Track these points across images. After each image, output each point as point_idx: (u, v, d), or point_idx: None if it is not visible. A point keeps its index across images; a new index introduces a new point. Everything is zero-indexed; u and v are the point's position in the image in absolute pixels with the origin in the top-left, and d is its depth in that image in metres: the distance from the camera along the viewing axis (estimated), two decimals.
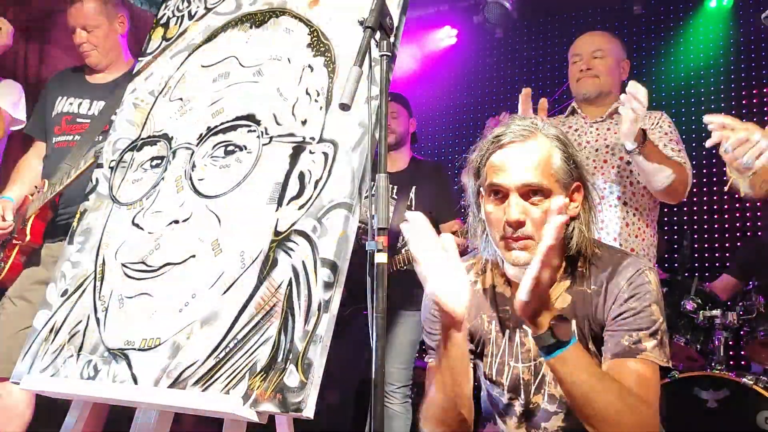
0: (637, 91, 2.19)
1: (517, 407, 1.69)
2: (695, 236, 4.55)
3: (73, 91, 3.05)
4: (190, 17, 2.52)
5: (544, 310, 1.42)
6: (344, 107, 1.51)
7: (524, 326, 1.66)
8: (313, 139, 1.96)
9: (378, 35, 1.65)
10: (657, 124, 2.64)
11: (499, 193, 1.58)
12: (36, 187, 2.91)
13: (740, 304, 3.15)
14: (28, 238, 2.84)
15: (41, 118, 3.09)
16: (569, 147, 1.61)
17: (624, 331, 1.54)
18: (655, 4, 4.88)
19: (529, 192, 1.56)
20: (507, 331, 1.70)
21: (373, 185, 1.57)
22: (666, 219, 4.56)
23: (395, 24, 1.82)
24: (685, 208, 4.60)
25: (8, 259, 2.88)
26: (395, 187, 3.48)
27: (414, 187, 3.47)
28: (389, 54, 1.66)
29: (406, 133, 3.61)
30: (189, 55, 2.43)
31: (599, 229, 2.57)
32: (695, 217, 4.63)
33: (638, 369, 1.50)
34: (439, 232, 3.48)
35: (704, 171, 4.55)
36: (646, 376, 1.50)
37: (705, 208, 4.61)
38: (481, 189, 1.65)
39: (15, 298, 2.84)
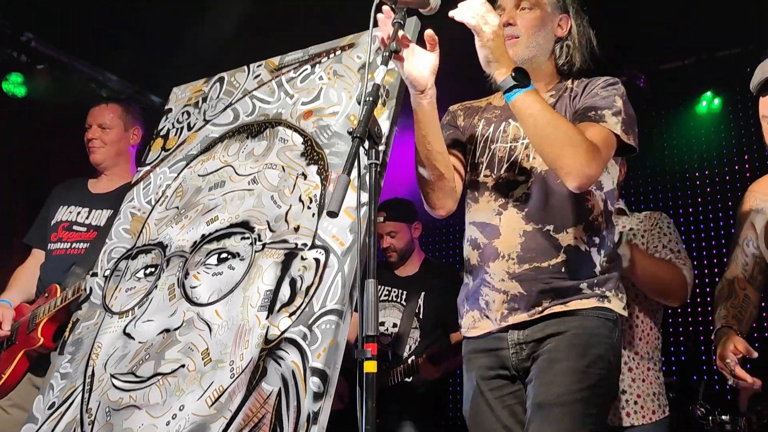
0: None
1: (490, 182, 1.95)
2: (701, 338, 4.47)
3: (75, 200, 3.09)
4: (189, 129, 2.59)
5: (506, 61, 1.72)
6: (332, 214, 1.52)
7: (509, 120, 1.99)
8: (305, 245, 1.97)
9: (366, 144, 1.68)
10: (656, 225, 2.65)
11: (500, 7, 1.98)
12: (46, 293, 2.85)
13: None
14: (41, 341, 2.72)
15: (42, 228, 3.11)
16: None
17: (589, 107, 1.86)
18: (646, 109, 5.01)
19: (520, 3, 1.97)
20: (492, 125, 2.03)
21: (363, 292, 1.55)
22: (670, 320, 4.50)
23: (384, 133, 1.87)
24: (689, 309, 4.54)
25: (9, 366, 2.77)
26: (405, 292, 3.45)
27: (423, 293, 3.42)
28: (377, 162, 1.69)
29: (411, 244, 3.54)
30: (187, 164, 2.48)
31: None
32: (699, 318, 4.56)
33: (596, 130, 1.79)
34: (448, 342, 3.37)
35: (705, 271, 4.52)
36: (602, 135, 1.79)
37: (709, 309, 4.54)
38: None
39: (9, 406, 2.74)
